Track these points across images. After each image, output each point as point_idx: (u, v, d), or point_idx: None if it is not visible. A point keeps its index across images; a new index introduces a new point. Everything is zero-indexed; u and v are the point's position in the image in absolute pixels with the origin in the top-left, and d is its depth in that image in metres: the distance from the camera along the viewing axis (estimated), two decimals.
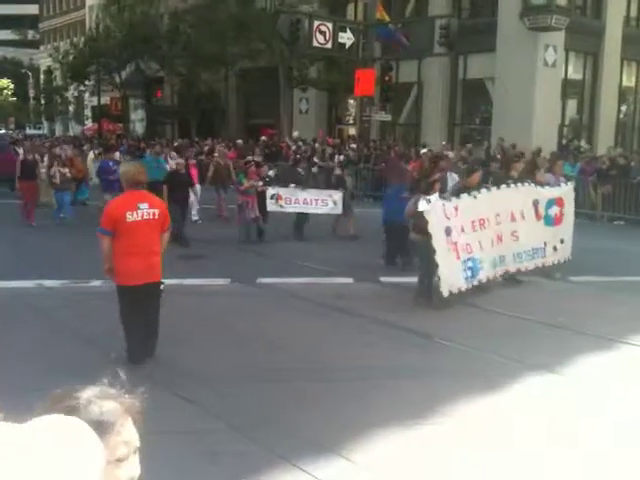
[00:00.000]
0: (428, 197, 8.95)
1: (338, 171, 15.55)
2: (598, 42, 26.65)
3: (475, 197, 9.49)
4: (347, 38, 23.32)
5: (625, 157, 19.40)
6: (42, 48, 65.80)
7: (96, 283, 9.69)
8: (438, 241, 8.74)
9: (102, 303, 8.66)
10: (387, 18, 24.40)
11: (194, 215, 15.62)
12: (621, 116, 29.23)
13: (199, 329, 7.69)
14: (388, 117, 26.25)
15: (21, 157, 16.47)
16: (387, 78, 24.05)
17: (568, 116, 27.50)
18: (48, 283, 9.72)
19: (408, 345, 7.40)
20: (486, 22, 25.30)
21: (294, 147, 25.14)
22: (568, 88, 26.50)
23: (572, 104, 27.75)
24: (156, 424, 5.16)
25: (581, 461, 4.74)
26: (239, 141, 26.99)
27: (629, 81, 29.45)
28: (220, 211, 16.65)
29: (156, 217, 6.40)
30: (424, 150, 22.10)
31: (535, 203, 10.38)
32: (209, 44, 29.74)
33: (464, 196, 9.39)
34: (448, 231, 8.87)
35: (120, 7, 36.52)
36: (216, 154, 19.79)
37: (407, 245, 10.52)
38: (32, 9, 71.45)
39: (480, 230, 9.47)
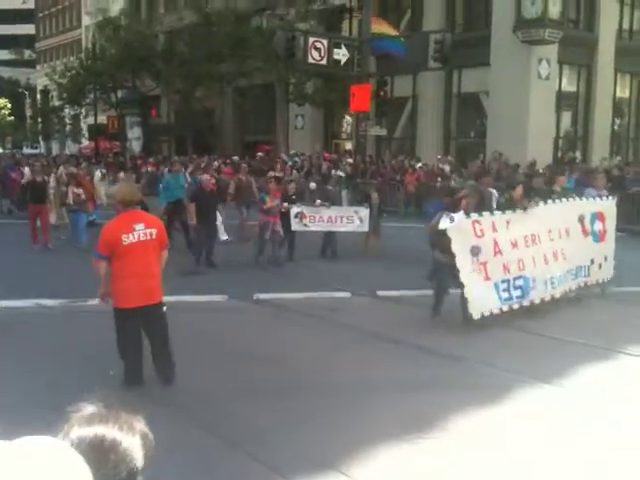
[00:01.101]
0: (452, 215, 8.47)
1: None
2: (591, 54, 26.84)
3: (525, 211, 9.14)
4: (342, 54, 23.42)
5: (620, 168, 19.50)
6: (39, 67, 66.11)
7: (94, 302, 9.69)
8: (462, 261, 8.30)
9: (100, 321, 8.66)
10: (392, 32, 24.53)
11: (222, 234, 15.01)
12: (615, 127, 29.38)
13: (195, 346, 7.67)
14: (383, 132, 26.37)
15: (28, 178, 15.83)
16: (382, 93, 24.17)
17: (563, 128, 27.64)
18: (47, 302, 9.72)
19: (407, 359, 7.40)
20: (480, 36, 25.50)
21: (290, 163, 25.21)
22: (562, 100, 26.66)
23: (566, 116, 27.90)
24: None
25: (581, 473, 4.74)
26: (235, 157, 27.07)
27: (623, 93, 29.62)
28: (242, 230, 15.94)
29: (153, 237, 6.24)
30: (419, 164, 22.21)
31: (581, 218, 9.94)
32: (205, 62, 29.90)
33: (517, 210, 9.08)
34: (475, 251, 8.38)
35: (115, 27, 36.75)
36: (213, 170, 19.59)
37: None
38: (29, 29, 71.91)
39: (532, 246, 9.01)
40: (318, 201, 13.85)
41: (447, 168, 22.76)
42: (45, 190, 15.38)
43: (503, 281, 8.63)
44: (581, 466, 4.84)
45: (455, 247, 8.24)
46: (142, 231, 6.15)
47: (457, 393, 6.17)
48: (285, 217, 13.23)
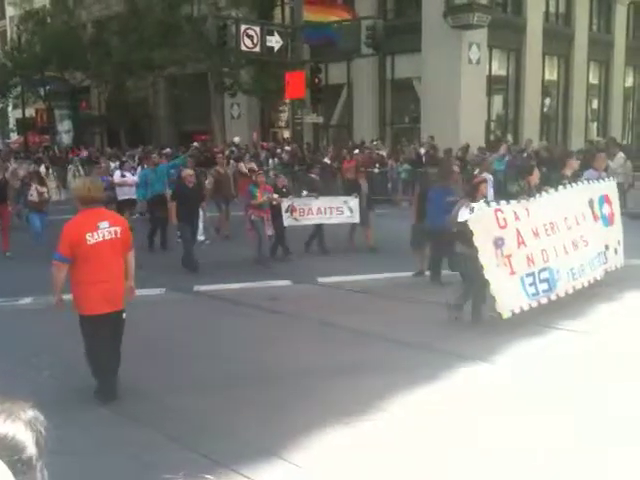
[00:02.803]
0: (472, 204, 7.78)
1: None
2: (520, 38, 27.43)
3: (541, 198, 8.52)
4: (275, 41, 23.35)
5: (549, 150, 20.02)
6: None
7: (26, 301, 9.48)
8: (485, 255, 7.61)
9: (33, 321, 8.48)
10: (326, 18, 24.44)
11: (200, 235, 13.54)
12: (545, 109, 30.15)
13: (133, 340, 7.55)
14: (320, 119, 26.38)
15: None
16: (316, 80, 24.17)
17: (494, 112, 28.21)
18: None
19: (348, 344, 7.46)
20: (411, 22, 25.72)
21: (227, 152, 24.96)
22: (493, 84, 27.19)
23: (498, 100, 28.47)
24: (91, 441, 5.07)
25: (517, 449, 4.89)
26: (167, 150, 26.64)
27: (551, 75, 30.40)
28: (220, 228, 14.99)
29: (118, 236, 5.77)
30: (356, 151, 22.31)
31: (591, 203, 9.33)
32: (135, 51, 29.27)
33: (533, 198, 8.39)
34: (499, 243, 7.69)
35: (40, 18, 35.57)
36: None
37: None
38: None
39: (552, 235, 8.38)
40: (304, 192, 13.08)
41: (384, 153, 22.98)
42: (6, 189, 14.00)
43: (528, 275, 7.98)
44: (515, 442, 4.99)
45: (477, 240, 7.55)
46: (107, 229, 5.69)
47: (397, 376, 6.25)
48: (275, 211, 12.39)
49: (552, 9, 29.63)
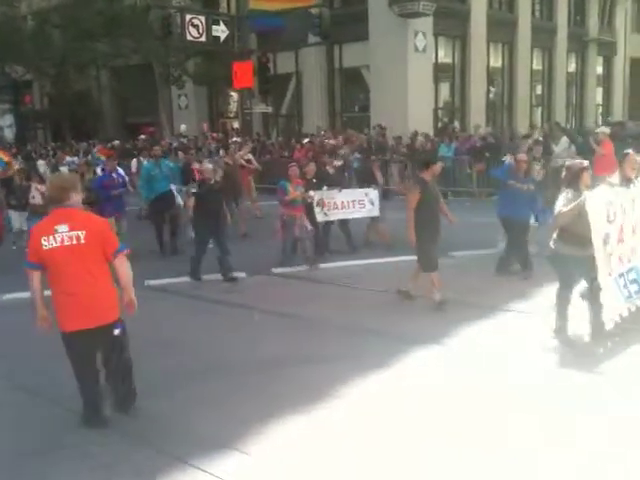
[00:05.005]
0: (583, 195, 6.54)
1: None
2: (465, 26, 27.69)
3: None
4: (221, 31, 23.14)
5: (495, 136, 20.34)
6: None
7: None
8: (597, 255, 6.53)
9: None
10: (271, 7, 24.26)
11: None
12: (490, 96, 30.57)
13: None
14: (269, 109, 26.31)
15: None
16: (265, 60, 24.11)
17: (441, 99, 28.46)
18: None
19: (299, 334, 7.48)
20: (358, 11, 25.71)
21: (176, 143, 24.67)
22: (439, 72, 27.39)
23: (444, 87, 28.72)
24: (49, 441, 4.98)
25: (473, 431, 4.98)
26: (116, 142, 26.23)
27: (496, 62, 30.79)
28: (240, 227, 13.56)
29: (81, 242, 4.98)
30: (306, 140, 22.30)
31: None
32: (76, 44, 28.59)
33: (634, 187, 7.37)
34: (606, 240, 6.66)
35: None
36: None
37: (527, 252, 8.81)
38: None
39: None
40: (325, 187, 11.91)
41: (334, 142, 22.94)
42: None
43: (620, 275, 7.04)
44: (476, 428, 5.09)
45: (594, 237, 6.49)
46: (65, 234, 4.97)
47: (351, 363, 6.30)
48: (308, 208, 11.50)
49: None
